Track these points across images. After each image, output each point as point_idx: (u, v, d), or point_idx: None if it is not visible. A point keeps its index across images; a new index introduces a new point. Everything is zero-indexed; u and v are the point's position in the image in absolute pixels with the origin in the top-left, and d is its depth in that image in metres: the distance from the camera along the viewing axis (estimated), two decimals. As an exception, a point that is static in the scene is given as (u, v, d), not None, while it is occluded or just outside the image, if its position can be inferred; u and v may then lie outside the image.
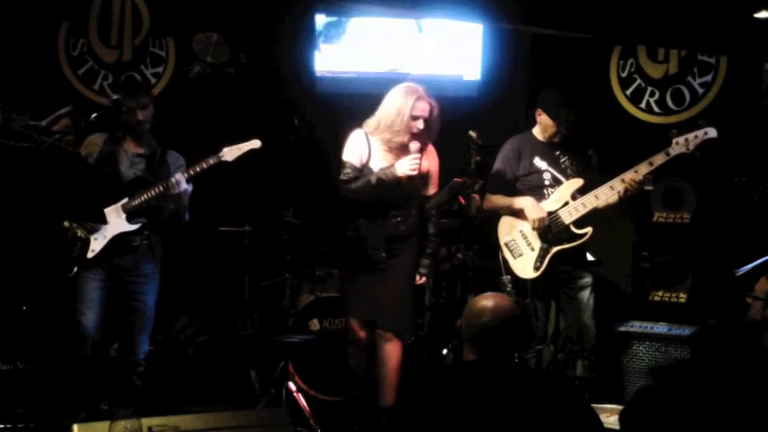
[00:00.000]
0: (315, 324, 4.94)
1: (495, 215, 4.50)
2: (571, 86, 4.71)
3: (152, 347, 4.37)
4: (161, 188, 4.02)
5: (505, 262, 4.43)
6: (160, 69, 5.74)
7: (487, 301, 2.62)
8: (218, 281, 5.41)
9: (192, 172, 4.09)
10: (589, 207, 4.33)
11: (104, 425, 2.40)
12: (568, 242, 4.35)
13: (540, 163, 4.45)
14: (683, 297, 5.14)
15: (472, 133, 4.30)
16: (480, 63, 5.99)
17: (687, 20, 4.14)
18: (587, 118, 4.76)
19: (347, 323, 4.34)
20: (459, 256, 5.11)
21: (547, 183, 4.43)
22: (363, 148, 4.15)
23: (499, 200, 4.48)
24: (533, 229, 4.35)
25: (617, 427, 2.95)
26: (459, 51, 6.01)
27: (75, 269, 4.04)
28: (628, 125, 5.62)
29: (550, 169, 4.44)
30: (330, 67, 5.97)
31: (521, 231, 4.41)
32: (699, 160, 4.46)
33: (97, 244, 4.03)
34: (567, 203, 4.36)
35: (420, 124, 4.06)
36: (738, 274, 3.89)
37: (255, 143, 4.14)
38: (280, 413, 3.19)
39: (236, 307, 5.12)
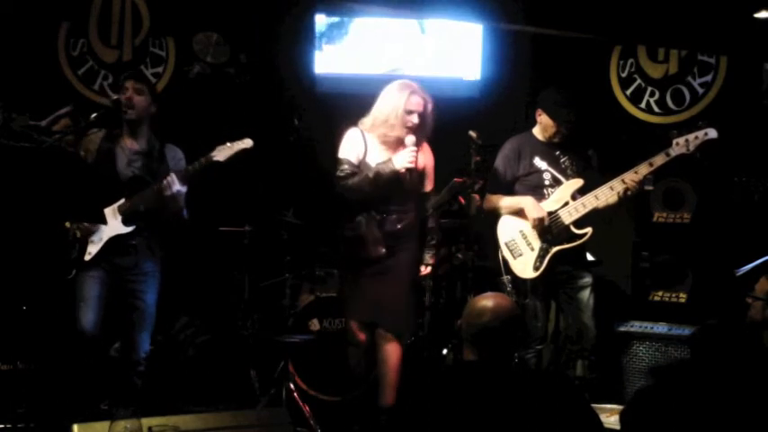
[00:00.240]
0: (315, 324, 4.95)
1: (495, 215, 4.50)
2: (571, 86, 4.71)
3: (152, 347, 4.36)
4: (155, 190, 4.01)
5: (505, 262, 4.43)
6: (160, 69, 5.74)
7: (487, 301, 2.62)
8: (218, 281, 5.41)
9: (183, 173, 4.06)
10: (589, 207, 4.33)
11: (104, 425, 2.40)
12: (568, 242, 4.35)
13: (540, 163, 4.45)
14: (683, 297, 5.14)
15: (472, 133, 4.31)
16: (480, 63, 5.99)
17: (687, 20, 4.14)
18: (587, 118, 4.76)
19: (347, 324, 4.34)
20: (459, 256, 5.12)
21: (547, 183, 4.43)
22: (359, 145, 4.16)
23: (499, 200, 4.48)
24: (533, 228, 4.35)
25: (617, 427, 2.95)
26: (460, 52, 6.01)
27: (74, 272, 4.03)
28: (628, 125, 5.63)
29: (550, 169, 4.44)
30: (330, 68, 5.98)
31: (521, 231, 4.40)
32: (699, 160, 4.46)
33: (94, 247, 4.02)
34: (567, 203, 4.36)
35: (415, 118, 4.08)
36: (738, 274, 3.89)
37: (247, 142, 4.10)
38: (280, 413, 3.18)
39: (236, 307, 5.12)
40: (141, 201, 4.02)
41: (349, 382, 4.62)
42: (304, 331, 4.89)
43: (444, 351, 4.95)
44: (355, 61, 5.96)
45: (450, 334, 4.84)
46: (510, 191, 4.49)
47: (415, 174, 4.13)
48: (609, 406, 3.76)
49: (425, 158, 4.26)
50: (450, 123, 4.88)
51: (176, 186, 3.99)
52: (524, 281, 4.38)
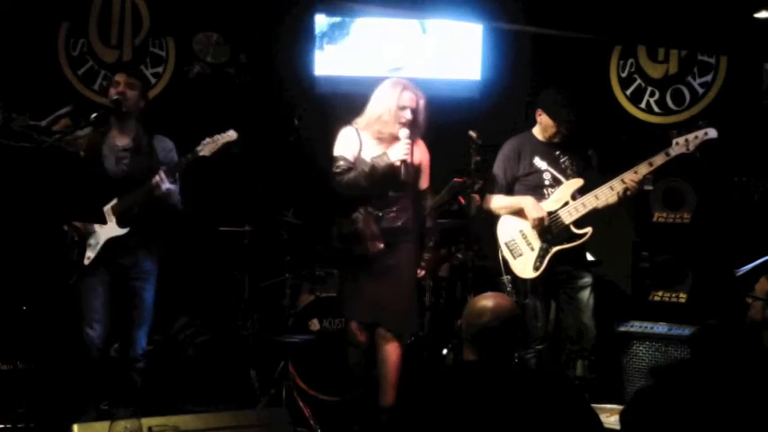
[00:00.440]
0: (315, 324, 4.94)
1: (495, 215, 4.50)
2: (571, 86, 4.71)
3: (151, 347, 4.37)
4: (146, 190, 3.99)
5: (505, 262, 4.43)
6: (160, 69, 5.74)
7: (487, 301, 2.62)
8: (218, 281, 5.41)
9: (172, 170, 4.05)
10: (589, 207, 4.33)
11: (104, 425, 2.40)
12: (568, 242, 4.35)
13: (540, 163, 4.45)
14: (683, 297, 5.14)
15: (472, 133, 4.31)
16: (480, 63, 5.99)
17: (687, 20, 4.13)
18: (587, 118, 4.76)
19: (347, 324, 4.34)
20: (459, 256, 5.12)
21: (547, 183, 4.43)
22: (354, 143, 4.18)
23: (499, 200, 4.48)
24: (533, 228, 4.35)
25: (617, 427, 2.95)
26: (460, 52, 6.01)
27: (75, 277, 4.04)
28: (628, 125, 5.63)
29: (550, 169, 4.44)
30: (331, 68, 5.98)
31: (521, 231, 4.40)
32: (699, 160, 4.46)
33: (92, 250, 4.02)
34: (566, 203, 4.36)
35: (408, 114, 4.10)
36: (738, 274, 3.89)
37: (231, 135, 4.10)
38: (280, 413, 3.19)
39: (236, 307, 5.12)
40: (133, 201, 4.02)
41: (349, 382, 4.61)
42: (304, 331, 4.89)
43: (444, 351, 4.95)
44: (355, 62, 5.96)
45: (451, 334, 4.84)
46: (510, 191, 4.49)
47: (411, 168, 4.14)
48: (609, 406, 3.76)
49: (421, 155, 4.27)
50: (450, 123, 4.89)
51: (166, 185, 3.99)
52: (524, 281, 4.38)
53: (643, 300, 5.23)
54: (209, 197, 5.29)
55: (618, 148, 5.33)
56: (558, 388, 2.46)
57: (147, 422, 2.42)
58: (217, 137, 4.08)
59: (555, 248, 4.35)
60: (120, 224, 4.01)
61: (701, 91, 5.42)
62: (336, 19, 5.96)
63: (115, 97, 4.05)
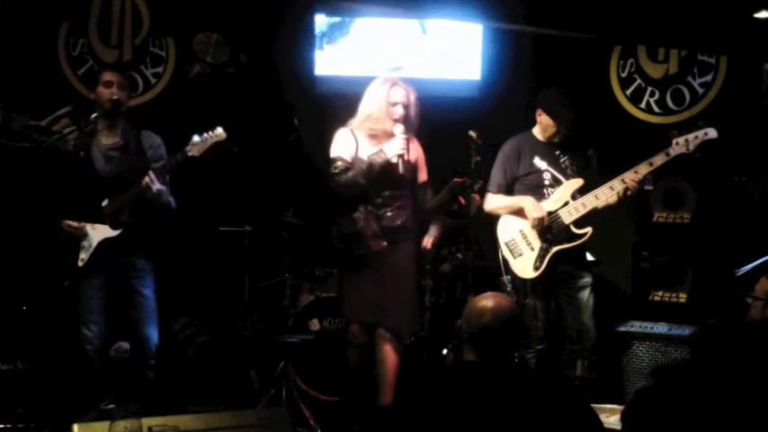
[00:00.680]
0: (315, 324, 4.94)
1: (494, 215, 4.50)
2: (571, 86, 4.71)
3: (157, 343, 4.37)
4: (136, 191, 3.99)
5: (505, 262, 4.43)
6: (160, 69, 5.74)
7: (487, 301, 2.62)
8: (218, 281, 5.41)
9: (162, 170, 4.05)
10: (589, 207, 4.33)
11: (104, 425, 2.40)
12: (568, 242, 4.35)
13: (539, 163, 4.45)
14: (683, 297, 5.14)
15: (472, 133, 4.31)
16: (480, 63, 5.99)
17: (687, 20, 4.13)
18: (587, 118, 4.76)
19: (347, 325, 4.34)
20: (459, 256, 5.12)
21: (547, 183, 4.44)
22: (350, 143, 4.19)
23: (499, 200, 4.48)
24: (533, 228, 4.35)
25: (617, 427, 2.95)
26: (460, 52, 6.01)
27: (69, 281, 4.04)
28: (628, 125, 5.62)
29: (550, 169, 4.44)
30: (331, 68, 5.97)
31: (521, 231, 4.41)
32: (699, 160, 4.46)
33: (85, 252, 4.03)
34: (566, 203, 4.36)
35: (399, 110, 4.12)
36: (738, 274, 3.89)
37: (220, 134, 4.10)
38: (280, 413, 3.19)
39: (236, 307, 5.12)
40: (125, 202, 4.02)
41: (349, 382, 4.61)
42: (304, 331, 4.89)
43: (444, 351, 4.95)
44: (355, 62, 5.96)
45: (451, 334, 4.84)
46: (510, 191, 4.49)
47: (408, 164, 4.15)
48: (609, 406, 3.75)
49: (416, 151, 4.28)
50: (450, 123, 4.88)
51: (156, 185, 3.99)
52: (524, 281, 4.38)
53: (643, 300, 5.23)
54: (209, 197, 5.29)
55: (618, 148, 5.33)
56: (558, 388, 2.46)
57: (147, 422, 2.43)
58: (205, 136, 4.07)
59: (555, 248, 4.35)
60: (113, 225, 4.02)
61: (700, 91, 5.41)
62: (336, 19, 5.96)
63: (114, 97, 4.05)
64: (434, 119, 4.41)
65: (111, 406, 4.30)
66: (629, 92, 5.67)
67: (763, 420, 1.99)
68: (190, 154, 4.06)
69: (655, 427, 2.04)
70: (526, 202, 4.38)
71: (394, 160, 4.07)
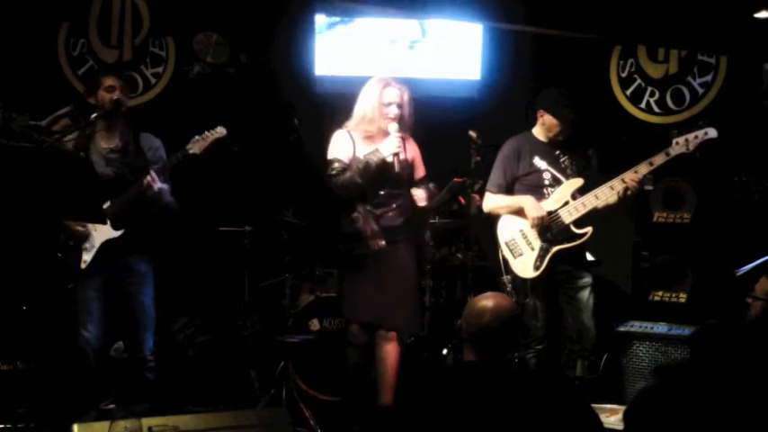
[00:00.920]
0: (315, 324, 4.94)
1: (494, 215, 4.50)
2: (571, 86, 4.71)
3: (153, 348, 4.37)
4: (137, 191, 4.00)
5: (505, 261, 4.43)
6: (160, 69, 5.74)
7: (487, 301, 2.62)
8: (218, 281, 5.41)
9: (162, 169, 4.05)
10: (589, 207, 4.33)
11: (104, 425, 2.40)
12: (568, 242, 4.35)
13: (539, 163, 4.45)
14: (683, 297, 5.14)
15: (472, 133, 4.31)
16: (480, 63, 5.99)
17: (687, 20, 4.13)
18: (587, 118, 4.76)
19: (347, 325, 4.34)
20: (459, 256, 5.12)
21: (547, 182, 4.44)
22: (347, 144, 4.20)
23: (499, 199, 4.48)
24: (532, 227, 4.35)
25: (617, 427, 2.95)
26: (460, 52, 6.01)
27: (73, 283, 4.04)
28: (628, 125, 5.62)
29: (550, 169, 4.44)
30: (330, 68, 5.97)
31: (521, 231, 4.40)
32: (699, 160, 4.46)
33: (87, 254, 4.03)
34: (567, 203, 4.36)
35: (394, 109, 4.13)
36: (738, 274, 3.89)
37: (221, 132, 4.11)
38: (280, 413, 3.19)
39: (236, 307, 5.12)
40: (126, 202, 4.02)
41: (349, 382, 4.61)
42: (304, 331, 4.89)
43: (444, 351, 4.95)
44: (355, 62, 5.96)
45: (451, 334, 4.84)
46: (510, 191, 4.49)
47: (405, 163, 4.16)
48: (609, 406, 3.76)
49: (411, 150, 4.29)
50: (450, 123, 4.88)
51: (158, 185, 3.99)
52: (524, 280, 4.38)
53: (643, 300, 5.23)
54: (209, 197, 5.29)
55: (618, 148, 5.33)
56: (558, 388, 2.46)
57: (147, 422, 2.43)
58: (206, 134, 4.09)
59: (555, 248, 4.35)
60: (115, 226, 4.02)
61: (701, 91, 5.41)
62: (336, 19, 5.96)
63: (115, 98, 4.05)
64: (434, 119, 4.42)
65: (111, 406, 4.32)
66: (629, 92, 5.67)
67: (763, 421, 1.99)
68: (191, 152, 4.06)
69: (658, 426, 2.04)
70: (526, 201, 4.38)
71: (390, 159, 4.08)
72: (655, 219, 5.37)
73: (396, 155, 4.07)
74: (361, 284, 4.16)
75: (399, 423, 2.64)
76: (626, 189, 4.26)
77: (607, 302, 4.72)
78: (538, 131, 4.52)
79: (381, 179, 4.13)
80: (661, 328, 4.78)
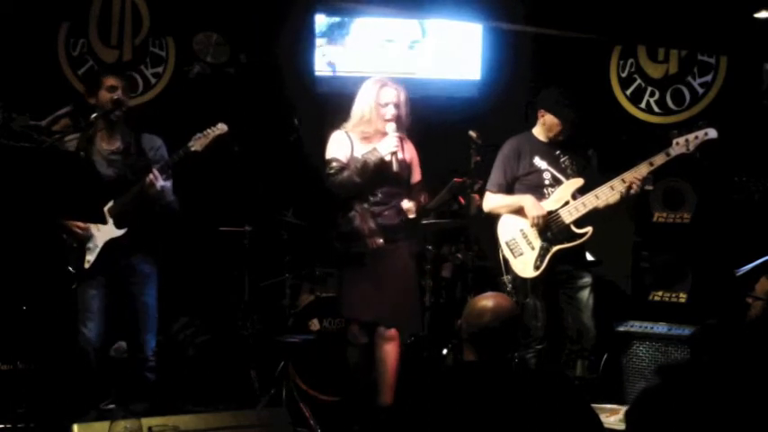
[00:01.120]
0: (315, 324, 4.94)
1: (495, 215, 4.50)
2: (571, 86, 4.71)
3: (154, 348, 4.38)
4: (140, 189, 4.00)
5: (506, 261, 4.43)
6: (160, 69, 5.74)
7: (487, 301, 2.62)
8: (218, 281, 5.41)
9: (164, 167, 4.05)
10: (589, 207, 4.33)
11: (104, 425, 2.40)
12: (568, 242, 4.35)
13: (539, 162, 4.45)
14: (683, 297, 5.14)
15: (472, 133, 4.31)
16: (480, 63, 5.99)
17: (687, 20, 4.13)
18: (587, 118, 4.77)
19: (347, 325, 4.34)
20: (459, 256, 5.12)
21: (547, 182, 4.44)
22: (345, 144, 4.21)
23: (499, 199, 4.48)
24: (533, 226, 4.35)
25: (617, 427, 2.95)
26: (460, 52, 6.01)
27: (76, 284, 4.04)
28: (628, 125, 5.62)
29: (550, 169, 4.44)
30: (331, 68, 5.97)
31: (521, 230, 4.41)
32: (699, 160, 4.46)
33: (91, 254, 4.03)
34: (567, 203, 4.36)
35: (391, 110, 4.14)
36: (738, 274, 3.89)
37: (222, 128, 4.11)
38: (280, 413, 3.19)
39: (236, 307, 5.12)
40: (128, 201, 4.02)
41: (349, 382, 4.61)
42: (304, 331, 4.89)
43: (444, 351, 4.95)
44: (355, 62, 5.96)
45: (451, 334, 4.84)
46: (510, 191, 4.49)
47: (403, 163, 4.16)
48: (609, 406, 3.76)
49: (409, 151, 4.29)
50: (450, 123, 4.88)
51: (160, 182, 3.99)
52: (524, 280, 4.38)
53: (643, 300, 5.23)
54: (209, 197, 5.29)
55: (618, 148, 5.33)
56: (558, 388, 2.46)
57: (147, 422, 2.43)
58: (207, 131, 4.09)
59: (555, 248, 4.35)
60: (118, 225, 4.02)
61: (700, 91, 5.41)
62: (336, 19, 5.96)
63: (116, 97, 4.05)
64: (434, 119, 4.42)
65: (111, 406, 4.31)
66: (629, 92, 5.67)
67: (764, 421, 1.99)
68: (193, 149, 4.06)
69: (660, 426, 2.04)
70: (526, 200, 4.38)
71: (387, 158, 4.08)
72: (655, 219, 5.37)
73: (394, 154, 4.08)
74: (360, 284, 4.16)
75: (399, 423, 2.64)
76: (629, 188, 4.25)
77: (607, 302, 4.72)
78: (538, 131, 4.52)
79: (380, 178, 4.14)
80: (661, 328, 4.78)
